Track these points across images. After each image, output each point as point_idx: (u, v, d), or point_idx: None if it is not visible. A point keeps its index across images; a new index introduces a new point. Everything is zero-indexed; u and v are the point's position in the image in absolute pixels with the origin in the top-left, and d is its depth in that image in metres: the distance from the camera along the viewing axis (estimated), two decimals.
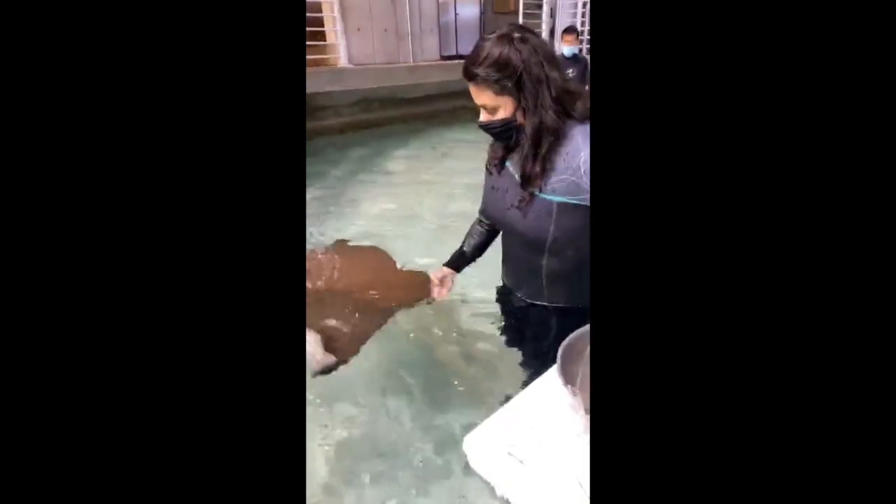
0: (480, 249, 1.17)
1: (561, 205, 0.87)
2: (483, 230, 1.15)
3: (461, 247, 1.17)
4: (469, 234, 1.17)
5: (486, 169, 1.03)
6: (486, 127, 0.90)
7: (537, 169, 0.88)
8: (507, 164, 0.97)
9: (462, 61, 0.86)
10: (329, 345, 1.02)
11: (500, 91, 0.83)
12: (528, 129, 0.86)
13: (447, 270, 1.16)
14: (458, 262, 1.17)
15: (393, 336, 1.31)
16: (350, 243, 1.54)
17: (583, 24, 6.65)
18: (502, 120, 0.87)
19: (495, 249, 1.14)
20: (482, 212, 1.12)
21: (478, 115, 0.89)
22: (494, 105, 0.86)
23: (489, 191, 1.02)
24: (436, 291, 1.14)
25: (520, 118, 0.86)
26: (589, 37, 6.40)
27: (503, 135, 0.90)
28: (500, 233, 1.09)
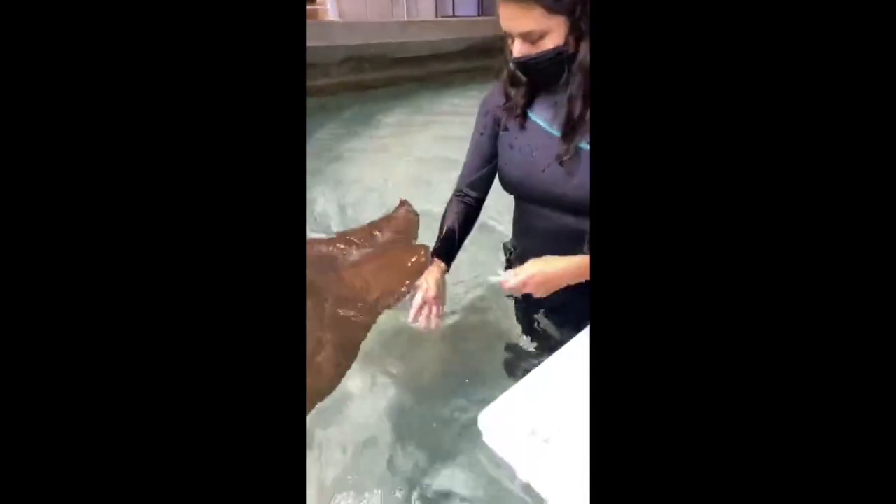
0: (468, 230, 0.97)
1: None
2: (465, 206, 0.95)
3: (447, 230, 0.93)
4: (451, 213, 0.94)
5: (497, 124, 0.85)
6: (528, 62, 0.69)
7: (589, 113, 0.70)
8: (531, 114, 0.80)
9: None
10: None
11: (553, 8, 0.64)
12: (586, 59, 0.67)
13: (436, 280, 0.87)
14: (450, 249, 0.93)
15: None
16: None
17: None
18: (552, 50, 0.67)
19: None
20: (469, 185, 0.94)
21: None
22: (543, 30, 0.66)
23: (506, 150, 0.84)
24: (423, 319, 0.85)
25: (572, 46, 0.67)
26: None
27: (550, 70, 0.70)
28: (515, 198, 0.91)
